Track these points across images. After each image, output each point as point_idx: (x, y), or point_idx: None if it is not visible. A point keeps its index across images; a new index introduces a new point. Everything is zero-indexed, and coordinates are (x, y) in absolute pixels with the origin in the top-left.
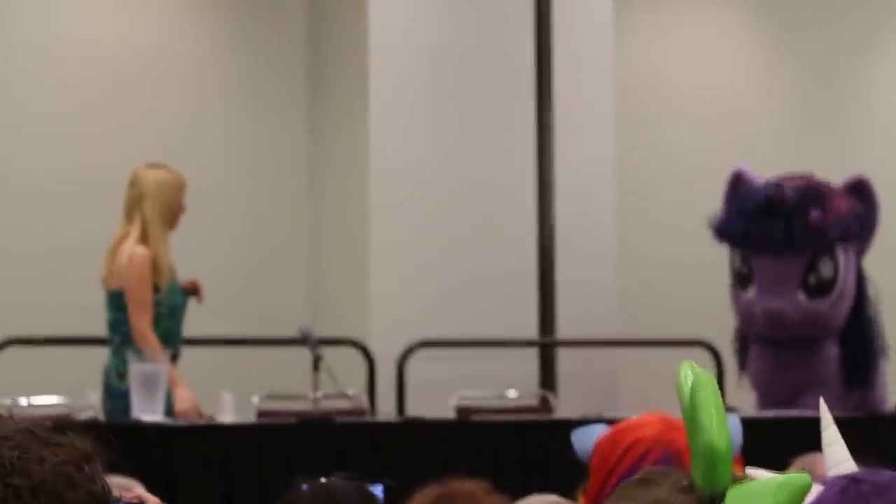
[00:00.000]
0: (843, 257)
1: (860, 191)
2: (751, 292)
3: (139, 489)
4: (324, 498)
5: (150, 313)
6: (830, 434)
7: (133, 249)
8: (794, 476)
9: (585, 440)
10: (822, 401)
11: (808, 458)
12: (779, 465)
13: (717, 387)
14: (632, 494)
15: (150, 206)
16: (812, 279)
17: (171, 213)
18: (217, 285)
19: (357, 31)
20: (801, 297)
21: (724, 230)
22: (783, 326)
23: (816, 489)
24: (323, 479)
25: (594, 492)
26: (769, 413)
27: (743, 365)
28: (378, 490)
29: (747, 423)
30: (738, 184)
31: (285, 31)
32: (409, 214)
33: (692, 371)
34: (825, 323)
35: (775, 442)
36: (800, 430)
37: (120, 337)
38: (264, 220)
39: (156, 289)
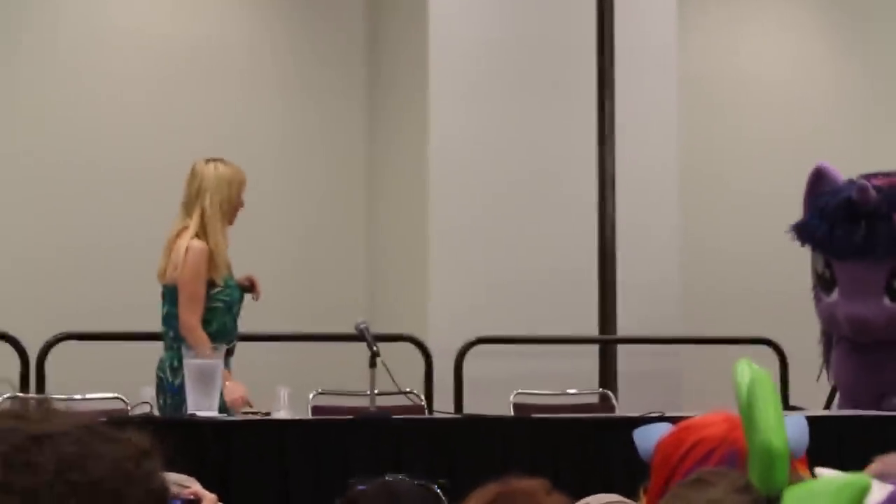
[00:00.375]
0: None
1: None
2: (833, 296)
3: (196, 485)
4: (387, 496)
5: (200, 308)
6: None
7: (190, 243)
8: (854, 476)
9: (647, 439)
10: None
11: (892, 458)
12: (856, 465)
13: (773, 386)
14: (686, 495)
15: (209, 201)
16: None
17: (231, 208)
18: (274, 281)
19: (416, 23)
20: (886, 301)
21: (807, 233)
22: (868, 332)
23: (889, 488)
24: (384, 478)
25: (656, 491)
26: (846, 412)
27: (828, 365)
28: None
29: (817, 422)
30: (819, 181)
31: (344, 23)
32: (468, 209)
33: (749, 369)
34: None
35: (853, 441)
36: (881, 429)
37: (174, 331)
38: (322, 215)
39: (213, 284)
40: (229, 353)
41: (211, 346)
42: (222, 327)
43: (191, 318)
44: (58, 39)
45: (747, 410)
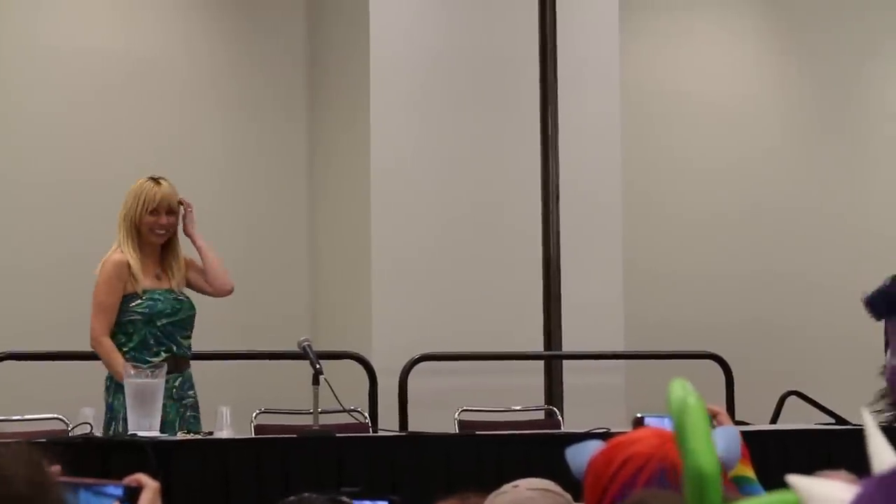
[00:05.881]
0: None
1: None
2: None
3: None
4: None
5: (107, 318)
6: (876, 440)
7: (107, 256)
8: (780, 496)
9: (580, 457)
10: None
11: (833, 473)
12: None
13: (703, 408)
14: None
15: (119, 215)
16: None
17: (138, 221)
18: (217, 299)
19: (357, 39)
20: None
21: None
22: None
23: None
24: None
25: None
26: (790, 426)
27: None
28: None
29: (762, 437)
30: None
31: (285, 40)
32: (412, 225)
33: (682, 391)
34: None
35: (799, 455)
36: (825, 443)
37: None
38: (264, 233)
39: (134, 296)
40: (165, 367)
41: (124, 360)
42: (143, 340)
43: (96, 327)
44: None
45: (678, 433)
